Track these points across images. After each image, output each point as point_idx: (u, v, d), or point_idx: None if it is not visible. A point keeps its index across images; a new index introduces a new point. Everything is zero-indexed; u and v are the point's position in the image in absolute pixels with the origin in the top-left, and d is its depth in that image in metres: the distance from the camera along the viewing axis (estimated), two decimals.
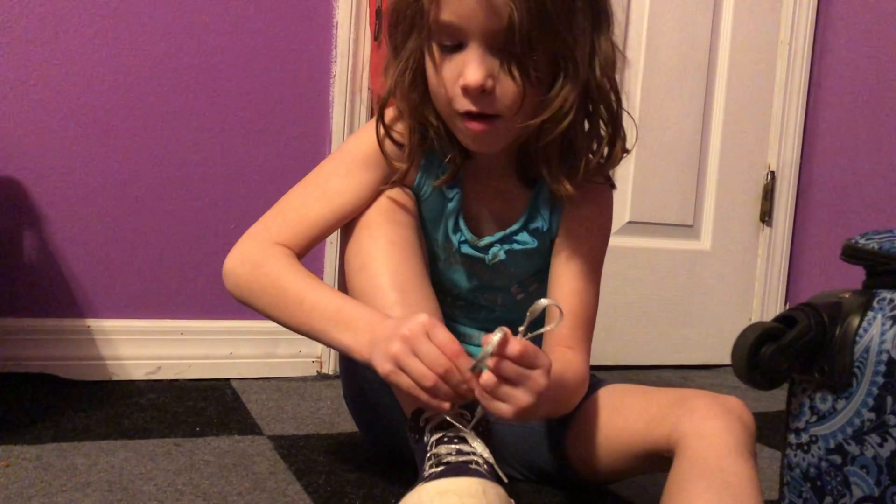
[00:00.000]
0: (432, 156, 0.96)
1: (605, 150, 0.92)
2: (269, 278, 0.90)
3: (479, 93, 0.83)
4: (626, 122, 0.93)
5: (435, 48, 0.85)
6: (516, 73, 0.82)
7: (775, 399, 1.50)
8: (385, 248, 0.89)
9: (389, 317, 0.82)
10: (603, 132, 0.92)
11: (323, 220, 0.95)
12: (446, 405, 0.76)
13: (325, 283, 0.92)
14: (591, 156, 0.92)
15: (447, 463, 0.74)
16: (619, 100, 0.91)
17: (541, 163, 0.92)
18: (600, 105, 0.90)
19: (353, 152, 0.97)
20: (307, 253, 0.95)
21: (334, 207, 0.94)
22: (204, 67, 1.45)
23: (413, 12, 0.86)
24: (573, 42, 0.84)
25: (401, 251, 0.90)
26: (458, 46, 0.84)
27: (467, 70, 0.82)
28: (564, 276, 0.96)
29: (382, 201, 0.93)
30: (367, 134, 0.96)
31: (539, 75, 0.84)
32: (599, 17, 0.87)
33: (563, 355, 0.91)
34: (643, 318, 1.89)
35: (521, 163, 0.96)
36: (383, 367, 0.78)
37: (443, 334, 0.75)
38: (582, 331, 0.95)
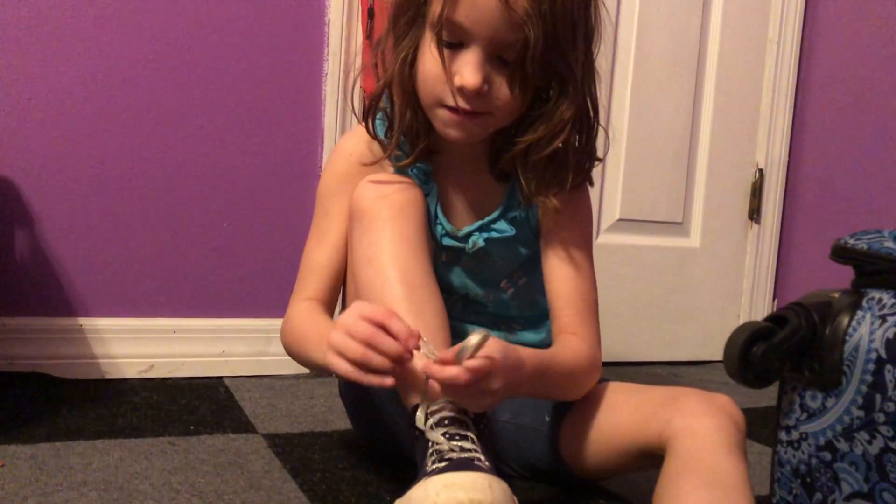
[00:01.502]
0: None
1: (582, 164, 0.97)
2: (292, 330, 0.98)
3: (473, 95, 0.85)
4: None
5: (436, 42, 0.86)
6: (518, 86, 0.86)
7: (764, 395, 1.52)
8: (394, 242, 0.90)
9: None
10: (585, 146, 0.96)
11: (327, 260, 1.00)
12: (388, 381, 0.77)
13: (326, 317, 0.97)
14: (576, 170, 0.95)
15: (450, 459, 0.75)
16: (597, 115, 0.95)
17: (529, 178, 0.95)
18: (585, 121, 0.94)
19: (324, 191, 1.03)
20: (335, 293, 1.01)
21: (329, 246, 1.00)
22: (195, 66, 1.45)
23: (421, 4, 0.88)
24: (574, 64, 0.88)
25: (409, 245, 0.91)
26: (458, 44, 0.86)
27: (466, 71, 0.85)
28: (555, 266, 0.99)
29: (392, 196, 0.94)
30: (329, 169, 1.04)
31: (535, 87, 0.89)
32: (592, 40, 0.92)
33: (563, 340, 0.96)
34: (633, 314, 1.90)
35: (494, 159, 0.99)
36: (327, 359, 0.80)
37: (369, 307, 0.78)
38: (582, 316, 0.98)
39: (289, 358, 1.52)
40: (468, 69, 0.85)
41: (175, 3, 1.43)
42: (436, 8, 0.85)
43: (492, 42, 0.84)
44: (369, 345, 0.76)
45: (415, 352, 0.78)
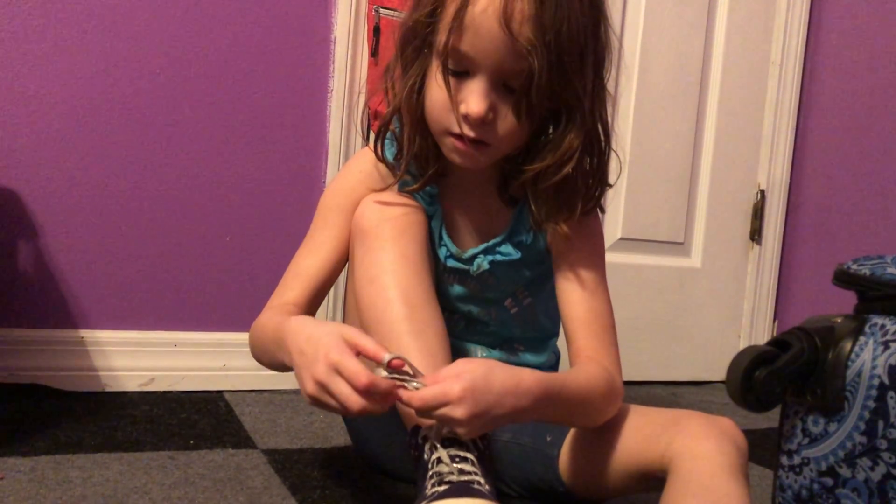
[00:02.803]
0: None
1: (594, 191, 0.96)
2: (255, 329, 0.97)
3: (479, 123, 0.86)
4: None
5: (444, 69, 0.87)
6: (523, 115, 0.86)
7: (764, 416, 1.52)
8: (396, 262, 0.90)
9: (319, 325, 0.80)
10: (593, 176, 0.95)
11: (316, 270, 0.99)
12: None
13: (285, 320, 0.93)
14: (584, 197, 0.95)
15: (449, 482, 0.75)
16: (608, 141, 0.94)
17: (539, 204, 0.94)
18: (595, 148, 0.94)
19: (328, 204, 1.02)
20: (315, 304, 1.00)
21: (322, 257, 0.99)
22: (202, 81, 1.46)
23: (427, 33, 0.88)
24: (582, 93, 0.87)
25: (411, 266, 0.91)
26: (464, 73, 0.86)
27: (471, 100, 0.85)
28: (569, 290, 0.98)
29: (395, 215, 0.94)
30: (337, 183, 1.03)
31: (541, 116, 0.89)
32: (602, 67, 0.91)
33: (579, 364, 0.94)
34: (634, 334, 1.90)
35: (502, 183, 0.99)
36: (306, 399, 0.77)
37: (349, 367, 0.72)
38: (599, 338, 0.96)
39: (289, 373, 1.52)
40: (473, 98, 0.85)
41: (181, 18, 1.44)
42: (441, 37, 0.85)
43: (497, 71, 0.85)
44: (369, 390, 0.72)
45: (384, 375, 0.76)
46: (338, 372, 0.73)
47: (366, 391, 0.72)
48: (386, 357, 0.75)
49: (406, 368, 0.77)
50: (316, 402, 0.76)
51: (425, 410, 0.75)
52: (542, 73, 0.82)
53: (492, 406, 0.76)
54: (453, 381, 0.75)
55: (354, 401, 0.72)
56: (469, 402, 0.74)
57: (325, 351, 0.74)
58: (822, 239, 1.98)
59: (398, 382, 0.75)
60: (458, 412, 0.74)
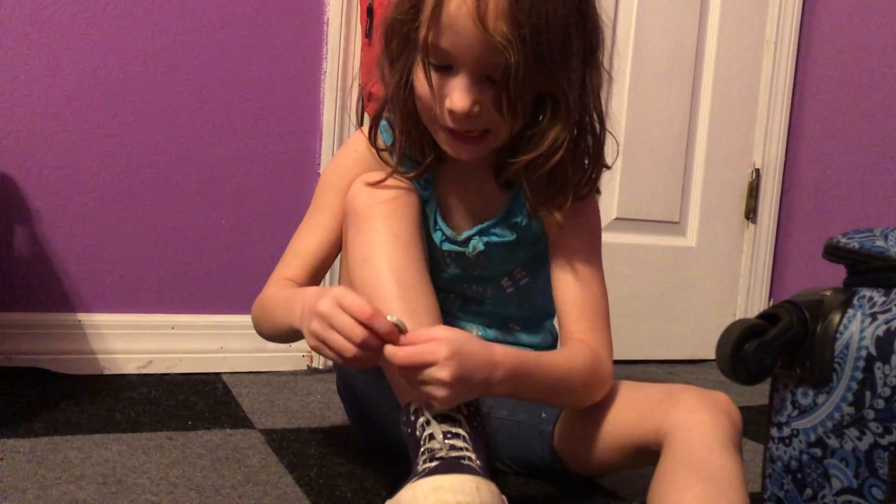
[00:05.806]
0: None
1: (590, 174, 0.95)
2: (260, 302, 0.99)
3: (464, 117, 0.85)
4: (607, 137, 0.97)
5: (425, 65, 0.86)
6: (505, 108, 0.85)
7: (759, 394, 1.53)
8: (388, 242, 0.91)
9: (323, 290, 0.84)
10: (588, 159, 0.95)
11: (315, 250, 1.01)
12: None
13: (296, 289, 0.97)
14: (578, 184, 0.94)
15: (440, 458, 0.76)
16: (603, 125, 0.94)
17: (530, 195, 0.94)
18: (587, 135, 0.93)
19: (325, 183, 1.04)
20: (315, 283, 1.02)
21: (319, 238, 1.01)
22: (195, 64, 1.46)
23: (408, 29, 0.88)
24: (567, 84, 0.86)
25: (404, 245, 0.91)
26: (448, 67, 0.85)
27: (454, 95, 0.85)
28: (562, 273, 0.98)
29: (387, 196, 0.94)
30: (334, 163, 1.04)
31: (525, 108, 0.87)
32: (593, 53, 0.90)
33: (566, 345, 0.95)
34: (630, 313, 1.91)
35: (498, 168, 0.98)
36: (309, 342, 0.81)
37: (352, 300, 0.76)
38: (588, 320, 0.96)
39: (287, 354, 1.54)
40: (457, 93, 0.84)
41: (174, 3, 1.43)
42: (423, 32, 0.84)
43: (477, 65, 0.84)
44: (362, 346, 0.76)
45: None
46: (341, 306, 0.76)
47: (369, 322, 0.75)
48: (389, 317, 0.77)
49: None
50: (317, 338, 0.79)
51: (410, 368, 0.76)
52: (520, 67, 0.81)
53: (471, 373, 0.78)
54: (441, 343, 0.76)
55: (357, 332, 0.75)
56: (454, 364, 0.76)
57: (331, 291, 0.78)
58: (817, 217, 1.98)
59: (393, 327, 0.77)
60: (443, 373, 0.75)
